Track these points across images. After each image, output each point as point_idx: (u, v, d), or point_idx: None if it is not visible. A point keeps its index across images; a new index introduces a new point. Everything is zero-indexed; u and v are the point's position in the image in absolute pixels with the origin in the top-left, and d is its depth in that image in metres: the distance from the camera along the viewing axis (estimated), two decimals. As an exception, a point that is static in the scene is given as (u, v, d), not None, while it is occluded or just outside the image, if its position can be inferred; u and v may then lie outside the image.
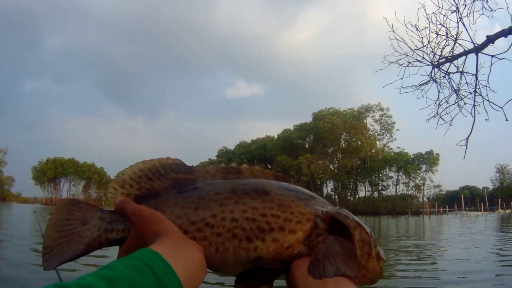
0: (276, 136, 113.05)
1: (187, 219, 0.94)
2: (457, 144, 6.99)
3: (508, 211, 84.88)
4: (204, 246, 0.90)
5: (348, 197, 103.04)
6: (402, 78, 7.54)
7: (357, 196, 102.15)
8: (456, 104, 7.24)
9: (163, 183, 1.01)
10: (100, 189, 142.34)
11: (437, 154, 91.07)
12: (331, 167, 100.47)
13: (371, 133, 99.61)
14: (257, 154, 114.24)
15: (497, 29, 6.19)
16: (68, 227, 1.01)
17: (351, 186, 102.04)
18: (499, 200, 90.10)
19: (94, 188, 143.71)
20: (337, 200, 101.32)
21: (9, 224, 21.12)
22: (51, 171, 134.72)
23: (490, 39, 5.95)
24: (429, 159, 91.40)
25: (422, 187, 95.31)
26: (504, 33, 5.71)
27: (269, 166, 1.09)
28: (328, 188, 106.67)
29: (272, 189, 0.97)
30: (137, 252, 0.74)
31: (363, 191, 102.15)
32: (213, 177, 1.02)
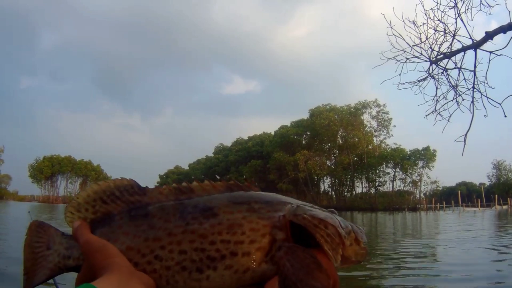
0: (273, 133, 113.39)
1: (137, 251, 0.92)
2: (455, 140, 6.98)
3: (505, 207, 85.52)
4: (155, 278, 0.89)
5: (345, 193, 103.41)
6: (400, 74, 7.53)
7: (354, 192, 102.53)
8: (454, 100, 7.22)
9: (118, 206, 1.00)
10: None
11: (434, 150, 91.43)
12: (328, 163, 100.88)
13: (368, 130, 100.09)
14: (254, 151, 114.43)
15: (494, 26, 6.19)
16: (37, 250, 1.02)
17: (348, 182, 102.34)
18: (496, 196, 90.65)
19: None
20: (334, 196, 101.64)
21: (5, 222, 21.06)
22: (48, 169, 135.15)
23: (489, 35, 5.94)
24: (426, 155, 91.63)
25: (419, 183, 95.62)
26: (503, 29, 5.69)
27: (218, 178, 1.07)
28: (325, 184, 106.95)
29: (221, 207, 0.94)
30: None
31: (360, 187, 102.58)
32: (166, 198, 1.00)
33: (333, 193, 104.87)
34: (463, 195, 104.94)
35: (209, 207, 0.95)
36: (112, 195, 1.01)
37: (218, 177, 1.07)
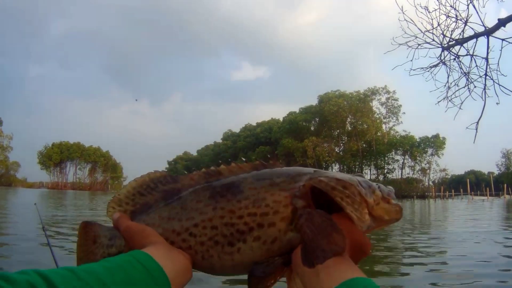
0: (281, 119, 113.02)
1: (172, 231, 1.00)
2: (467, 128, 6.98)
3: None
4: (191, 254, 0.97)
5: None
6: (411, 60, 7.50)
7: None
8: (466, 87, 7.19)
9: (154, 196, 1.08)
10: (106, 173, 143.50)
11: (444, 138, 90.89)
12: (336, 150, 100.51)
13: (377, 116, 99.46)
14: (263, 137, 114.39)
15: (505, 15, 6.14)
16: (85, 248, 1.11)
17: (356, 169, 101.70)
18: (505, 185, 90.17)
19: (100, 172, 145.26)
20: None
21: (14, 210, 21.09)
22: (57, 155, 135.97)
23: (502, 22, 5.90)
24: (435, 143, 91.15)
25: (428, 170, 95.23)
26: (516, 16, 5.67)
27: (244, 159, 1.12)
28: (334, 171, 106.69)
29: (246, 184, 1.00)
30: (131, 252, 0.85)
31: (368, 174, 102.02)
32: (197, 183, 1.07)
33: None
34: (471, 184, 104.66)
35: (235, 185, 1.00)
36: (148, 188, 1.09)
37: (244, 159, 1.12)
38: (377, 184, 0.98)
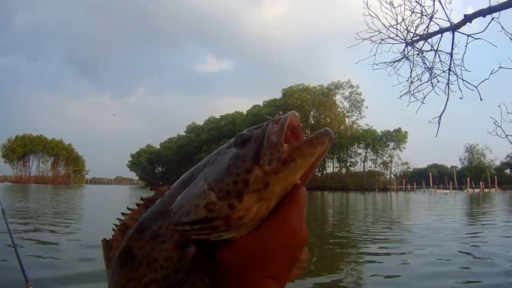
0: (245, 112, 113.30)
1: None
2: (429, 122, 6.97)
3: (477, 190, 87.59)
4: None
5: (316, 173, 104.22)
6: (375, 55, 7.46)
7: (325, 172, 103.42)
8: (429, 82, 7.19)
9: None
10: (68, 166, 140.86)
11: (405, 132, 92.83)
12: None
13: (340, 110, 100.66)
14: (226, 130, 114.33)
15: (470, 11, 6.13)
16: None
17: (319, 162, 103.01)
18: (468, 179, 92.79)
19: (62, 165, 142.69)
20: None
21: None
22: (20, 149, 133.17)
23: (468, 18, 5.87)
24: (397, 137, 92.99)
25: (390, 164, 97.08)
26: (483, 12, 5.63)
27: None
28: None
29: (134, 244, 0.83)
30: None
31: (331, 167, 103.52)
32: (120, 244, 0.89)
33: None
34: (434, 177, 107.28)
35: (129, 249, 0.84)
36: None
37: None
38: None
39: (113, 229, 0.90)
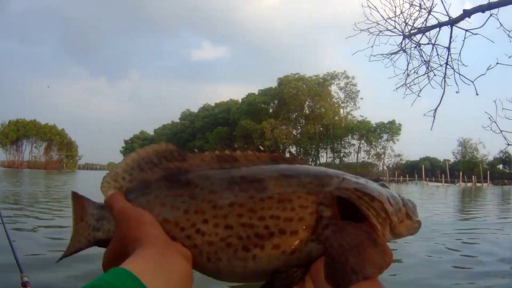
0: (240, 100, 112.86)
1: (175, 224, 0.84)
2: (424, 115, 7.01)
3: (469, 184, 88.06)
4: (194, 254, 0.82)
5: (310, 163, 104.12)
6: (372, 47, 7.46)
7: (318, 162, 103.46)
8: (426, 75, 7.21)
9: (155, 173, 0.93)
10: (61, 151, 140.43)
11: (399, 124, 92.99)
12: (294, 132, 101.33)
13: (335, 101, 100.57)
14: (221, 118, 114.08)
15: (469, 6, 6.14)
16: (73, 222, 1.01)
17: (313, 152, 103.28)
18: (461, 173, 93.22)
19: (55, 150, 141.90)
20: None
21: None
22: (13, 133, 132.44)
23: (467, 13, 5.88)
24: (391, 129, 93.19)
25: (383, 155, 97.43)
26: (482, 8, 5.64)
27: (261, 147, 1.00)
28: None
29: (271, 180, 0.86)
30: (111, 275, 0.66)
31: (324, 157, 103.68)
32: (208, 165, 0.93)
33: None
34: (426, 170, 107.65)
35: (258, 179, 0.87)
36: (150, 162, 0.94)
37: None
38: (402, 199, 0.88)
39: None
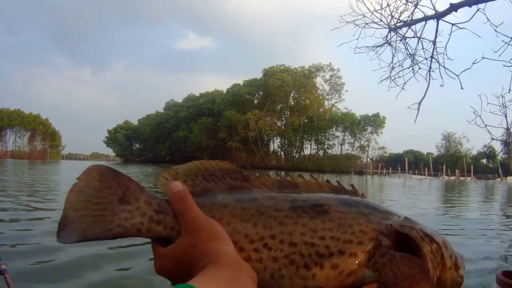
0: (225, 91, 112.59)
1: (245, 235, 0.87)
2: (408, 107, 7.00)
3: (452, 178, 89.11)
4: (259, 270, 0.84)
5: (294, 154, 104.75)
6: (357, 39, 7.44)
7: (302, 154, 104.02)
8: (411, 69, 7.21)
9: (219, 187, 0.94)
10: (45, 141, 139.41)
11: (383, 117, 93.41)
12: (278, 124, 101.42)
13: (320, 93, 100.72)
14: (205, 108, 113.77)
15: (455, 0, 6.13)
16: (100, 200, 0.89)
17: (297, 144, 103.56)
18: (444, 166, 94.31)
19: (39, 140, 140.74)
20: (283, 156, 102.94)
21: None
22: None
23: (454, 7, 5.87)
24: (375, 121, 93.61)
25: (367, 148, 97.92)
26: (469, 2, 5.63)
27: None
28: (275, 144, 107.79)
29: (332, 205, 0.90)
30: None
31: (308, 149, 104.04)
32: (269, 189, 0.95)
33: (282, 153, 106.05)
34: (410, 163, 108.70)
35: (319, 204, 0.90)
36: (213, 175, 0.95)
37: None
38: (452, 249, 0.91)
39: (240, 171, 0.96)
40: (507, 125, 6.06)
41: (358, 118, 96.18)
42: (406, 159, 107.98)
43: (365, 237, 0.86)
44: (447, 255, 0.86)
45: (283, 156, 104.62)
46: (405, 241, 0.85)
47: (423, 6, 6.64)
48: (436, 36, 6.47)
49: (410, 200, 19.67)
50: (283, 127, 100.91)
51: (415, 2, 6.68)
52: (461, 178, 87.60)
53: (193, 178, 0.94)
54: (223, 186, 0.94)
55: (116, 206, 0.89)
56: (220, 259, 0.76)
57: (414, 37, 7.03)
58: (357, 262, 0.84)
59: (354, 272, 0.84)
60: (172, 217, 0.88)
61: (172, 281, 0.78)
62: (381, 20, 7.28)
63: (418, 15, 6.81)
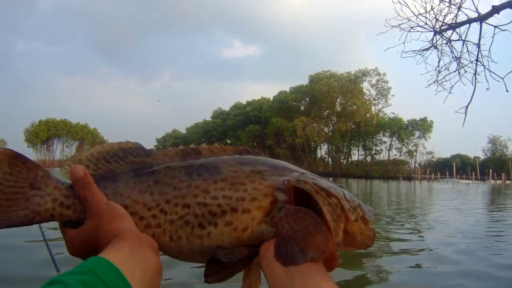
0: (271, 98, 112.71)
1: (143, 204, 0.91)
2: (456, 112, 7.05)
3: (499, 181, 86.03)
4: (159, 234, 0.89)
5: (342, 160, 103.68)
6: (404, 43, 7.54)
7: (350, 160, 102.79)
8: (457, 72, 7.26)
9: (121, 166, 0.98)
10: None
11: (431, 121, 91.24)
12: (325, 130, 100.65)
13: (367, 98, 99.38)
14: (252, 116, 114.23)
15: (498, 2, 6.18)
16: (11, 185, 0.89)
17: (344, 150, 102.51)
18: (491, 170, 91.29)
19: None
20: (330, 163, 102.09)
21: None
22: (44, 133, 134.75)
23: (496, 9, 5.94)
24: (423, 126, 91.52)
25: (415, 153, 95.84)
26: (511, 4, 5.70)
27: (228, 141, 1.05)
28: (322, 151, 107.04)
29: (226, 166, 0.94)
30: (92, 263, 0.71)
31: (356, 154, 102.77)
32: (172, 160, 1.00)
33: (329, 159, 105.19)
34: (457, 167, 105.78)
35: (214, 166, 0.94)
36: (115, 156, 0.99)
37: (228, 142, 1.06)
38: (359, 202, 0.91)
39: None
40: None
41: (406, 122, 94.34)
42: (454, 163, 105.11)
43: (259, 193, 0.89)
44: (348, 207, 0.86)
45: (330, 163, 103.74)
46: (304, 196, 0.87)
47: (466, 8, 6.73)
48: (480, 39, 6.55)
49: (463, 205, 19.31)
50: (330, 133, 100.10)
51: (458, 5, 6.77)
52: (507, 182, 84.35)
53: (95, 162, 0.97)
54: (125, 165, 0.98)
55: (28, 191, 0.90)
56: (121, 235, 0.82)
57: (459, 39, 7.12)
58: (251, 218, 0.87)
59: (249, 227, 0.87)
60: (81, 202, 0.91)
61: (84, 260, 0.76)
62: (426, 24, 7.40)
63: (461, 17, 6.89)
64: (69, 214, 0.92)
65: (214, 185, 0.91)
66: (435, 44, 7.55)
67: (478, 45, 6.60)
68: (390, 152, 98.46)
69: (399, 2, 7.30)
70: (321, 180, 0.89)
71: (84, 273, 0.67)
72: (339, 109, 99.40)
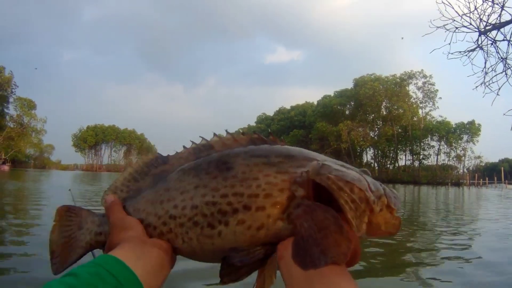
0: (315, 103, 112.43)
1: (154, 214, 0.94)
2: (504, 114, 6.91)
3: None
4: (172, 239, 0.90)
5: (388, 166, 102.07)
6: (449, 44, 7.42)
7: (397, 165, 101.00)
8: (504, 73, 7.13)
9: (146, 181, 1.03)
10: (141, 155, 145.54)
11: (479, 125, 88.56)
12: (371, 134, 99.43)
13: (413, 101, 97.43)
14: (296, 121, 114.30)
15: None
16: (68, 233, 1.04)
17: (391, 155, 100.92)
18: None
19: (135, 154, 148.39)
20: (377, 168, 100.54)
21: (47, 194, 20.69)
22: (92, 138, 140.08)
23: (540, 8, 5.85)
24: (471, 129, 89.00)
25: (463, 157, 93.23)
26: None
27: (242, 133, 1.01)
28: (368, 156, 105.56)
29: (237, 160, 0.91)
30: (99, 258, 0.78)
31: (403, 159, 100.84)
32: (187, 160, 1.01)
33: (375, 164, 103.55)
34: (505, 172, 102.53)
35: (224, 161, 0.92)
36: (142, 173, 1.05)
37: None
38: (383, 188, 0.85)
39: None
40: None
41: (454, 126, 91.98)
42: (502, 168, 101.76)
43: (274, 188, 0.84)
44: (373, 199, 0.81)
45: (376, 168, 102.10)
46: (325, 188, 0.81)
47: (509, 7, 6.61)
48: (525, 38, 6.42)
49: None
50: (376, 137, 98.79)
51: (502, 4, 6.66)
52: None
53: (127, 184, 1.05)
54: (149, 179, 1.03)
55: (77, 232, 1.04)
56: (125, 241, 0.88)
57: (504, 40, 6.99)
58: (266, 215, 0.83)
59: (264, 226, 0.83)
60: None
61: None
62: (470, 24, 7.28)
63: (505, 17, 6.78)
64: (102, 239, 1.01)
65: (223, 182, 0.88)
66: (481, 45, 7.42)
67: (523, 45, 6.48)
68: (439, 156, 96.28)
69: (442, 2, 7.22)
70: (343, 170, 0.83)
71: (92, 266, 0.74)
72: (384, 112, 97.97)
